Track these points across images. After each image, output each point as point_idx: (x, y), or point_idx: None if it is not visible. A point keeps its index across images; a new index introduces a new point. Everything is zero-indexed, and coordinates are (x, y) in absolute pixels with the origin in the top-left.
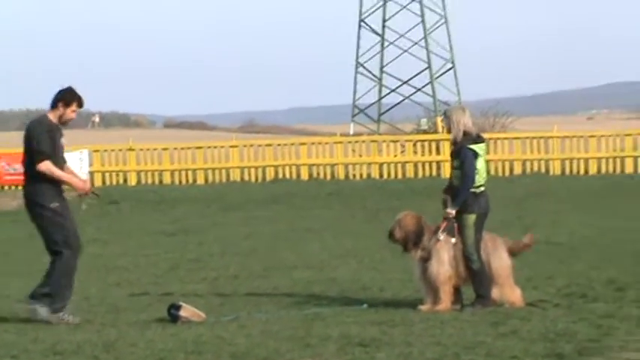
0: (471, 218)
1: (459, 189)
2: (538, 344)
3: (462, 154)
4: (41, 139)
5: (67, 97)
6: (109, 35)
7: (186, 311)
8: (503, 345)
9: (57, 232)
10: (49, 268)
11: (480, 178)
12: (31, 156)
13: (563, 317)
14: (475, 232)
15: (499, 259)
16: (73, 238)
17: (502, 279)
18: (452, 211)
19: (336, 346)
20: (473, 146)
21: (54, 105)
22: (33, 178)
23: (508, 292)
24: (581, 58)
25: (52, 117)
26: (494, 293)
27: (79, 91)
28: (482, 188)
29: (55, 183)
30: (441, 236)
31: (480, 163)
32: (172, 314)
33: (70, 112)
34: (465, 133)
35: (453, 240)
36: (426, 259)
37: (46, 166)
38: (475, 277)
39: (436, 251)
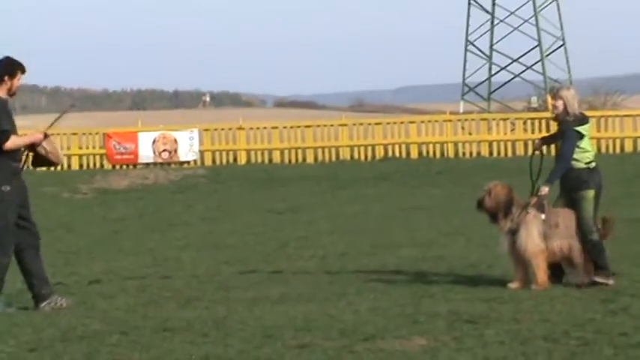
0: (590, 193)
1: (554, 168)
2: None
3: (566, 135)
4: (3, 118)
5: (9, 68)
6: (220, 16)
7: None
8: (612, 322)
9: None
10: None
11: (589, 154)
12: None
13: None
14: (593, 207)
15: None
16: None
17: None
18: (545, 188)
19: (445, 322)
20: (579, 128)
21: None
22: None
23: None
24: None
25: (1, 93)
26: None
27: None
28: (593, 164)
29: (14, 162)
30: (531, 210)
31: (585, 142)
32: None
33: (17, 82)
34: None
35: (543, 216)
36: (514, 232)
37: (12, 142)
38: (593, 249)
39: (525, 224)
